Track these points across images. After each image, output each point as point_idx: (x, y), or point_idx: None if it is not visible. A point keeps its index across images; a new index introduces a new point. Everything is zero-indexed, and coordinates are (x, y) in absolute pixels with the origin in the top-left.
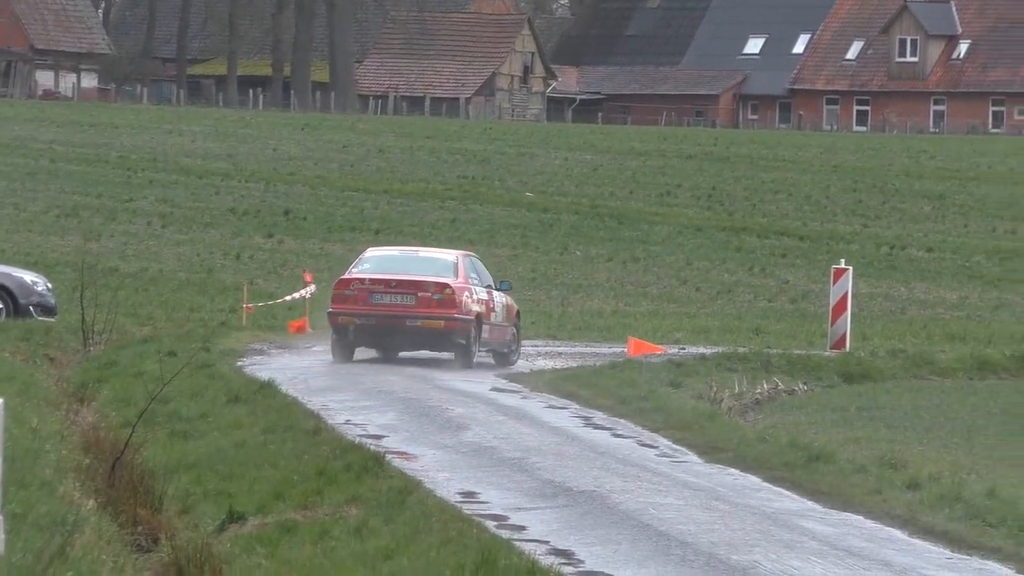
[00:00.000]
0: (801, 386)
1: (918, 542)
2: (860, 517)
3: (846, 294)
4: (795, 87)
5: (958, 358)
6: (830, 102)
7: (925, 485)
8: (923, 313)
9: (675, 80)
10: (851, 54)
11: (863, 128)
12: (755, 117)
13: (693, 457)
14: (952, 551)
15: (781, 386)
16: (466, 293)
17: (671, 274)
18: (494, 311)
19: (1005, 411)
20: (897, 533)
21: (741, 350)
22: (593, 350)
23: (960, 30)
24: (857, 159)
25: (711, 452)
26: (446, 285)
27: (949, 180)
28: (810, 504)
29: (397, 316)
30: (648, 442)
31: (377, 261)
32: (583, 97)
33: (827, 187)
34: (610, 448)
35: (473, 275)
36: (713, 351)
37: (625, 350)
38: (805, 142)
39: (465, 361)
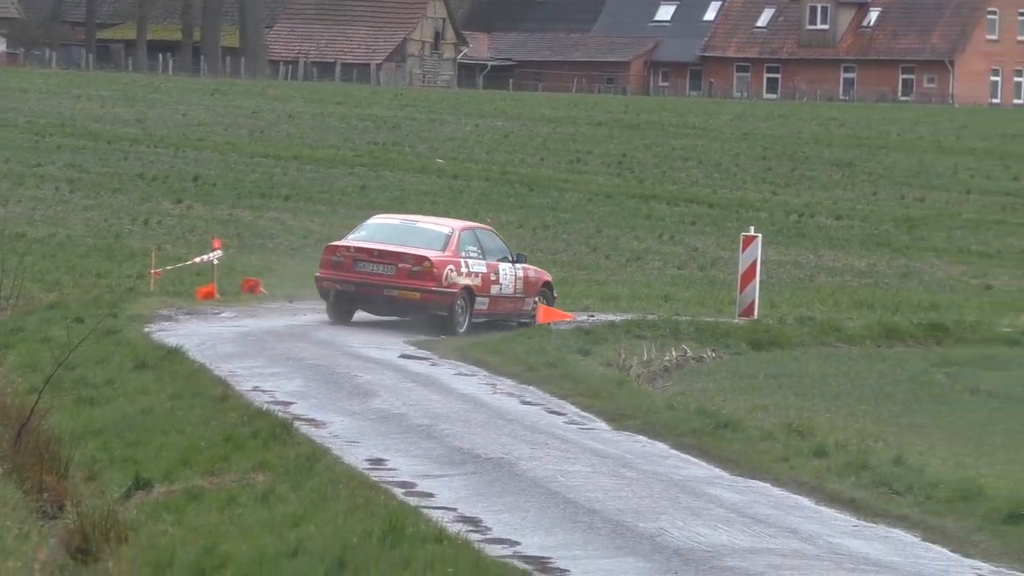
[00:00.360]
0: (710, 353)
1: (825, 509)
2: (767, 484)
3: (755, 261)
4: (706, 54)
5: (866, 325)
6: (740, 69)
7: (832, 452)
8: (831, 280)
9: (586, 47)
10: (762, 21)
11: (773, 96)
12: (666, 84)
13: (601, 424)
14: (858, 519)
15: (690, 353)
16: (450, 266)
17: (581, 241)
18: (498, 283)
19: (912, 378)
20: (804, 500)
21: (650, 317)
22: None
23: None
24: (767, 127)
25: (619, 419)
26: (425, 258)
27: (858, 148)
28: (718, 471)
29: (375, 285)
30: (556, 409)
31: (374, 229)
32: (494, 63)
33: (737, 155)
34: (518, 415)
35: (472, 248)
36: (622, 318)
37: (535, 318)
38: (715, 110)
39: (447, 331)
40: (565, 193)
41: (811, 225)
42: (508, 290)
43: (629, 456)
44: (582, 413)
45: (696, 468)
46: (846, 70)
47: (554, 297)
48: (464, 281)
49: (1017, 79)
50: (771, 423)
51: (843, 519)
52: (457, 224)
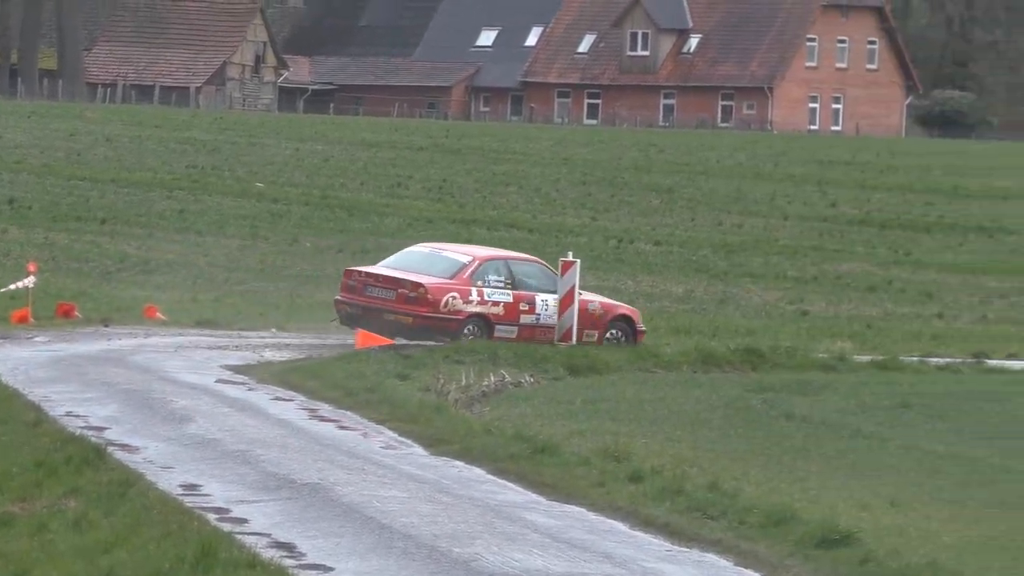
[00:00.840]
0: (528, 378)
1: (639, 534)
2: (583, 509)
3: (574, 287)
4: (527, 80)
5: (683, 351)
6: (561, 95)
7: (648, 478)
8: (649, 306)
9: (407, 72)
10: (583, 47)
11: (594, 121)
12: (487, 109)
13: (419, 449)
14: (672, 543)
15: (508, 378)
16: (452, 294)
17: None
18: (533, 313)
19: (728, 404)
20: (619, 525)
21: (469, 342)
22: (322, 342)
23: (691, 24)
24: (587, 152)
25: (437, 444)
26: (420, 284)
27: (677, 174)
28: (534, 496)
29: (377, 309)
30: (374, 434)
31: (401, 257)
32: (315, 87)
33: (557, 180)
34: (335, 440)
35: (496, 278)
36: (440, 344)
37: (353, 342)
38: (536, 135)
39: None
40: (385, 218)
41: (630, 251)
42: (553, 320)
43: (446, 481)
44: (400, 438)
45: (513, 493)
46: (666, 96)
47: (638, 331)
48: (475, 309)
49: (835, 106)
50: (588, 448)
51: (657, 544)
52: (482, 254)
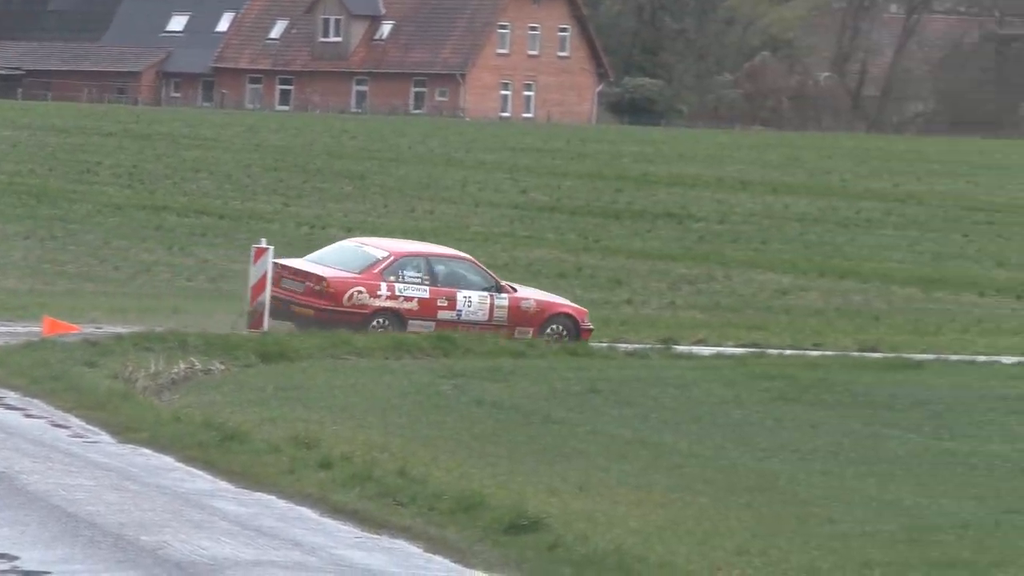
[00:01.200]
0: (218, 365)
1: (329, 521)
2: (273, 497)
3: (266, 273)
4: (218, 65)
5: (375, 338)
6: (253, 81)
7: (338, 464)
8: None
9: (96, 56)
10: (275, 33)
11: (286, 107)
12: (178, 95)
13: (106, 437)
14: (363, 530)
15: (198, 365)
16: (358, 288)
17: (89, 253)
18: (453, 310)
19: (419, 390)
20: (309, 512)
21: (158, 329)
22: (8, 329)
23: (383, 11)
24: (279, 138)
25: (124, 432)
26: (322, 278)
27: (370, 160)
28: (223, 484)
29: (287, 301)
30: (60, 422)
31: (327, 251)
32: (2, 72)
33: (249, 166)
34: (21, 429)
35: (413, 274)
36: (130, 330)
37: (40, 329)
38: (228, 121)
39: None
40: (75, 204)
41: (323, 237)
42: (476, 317)
43: (133, 469)
44: (87, 426)
45: (202, 481)
46: (359, 83)
47: (583, 329)
48: (384, 304)
49: (527, 93)
50: (278, 436)
51: (347, 530)
52: (400, 249)
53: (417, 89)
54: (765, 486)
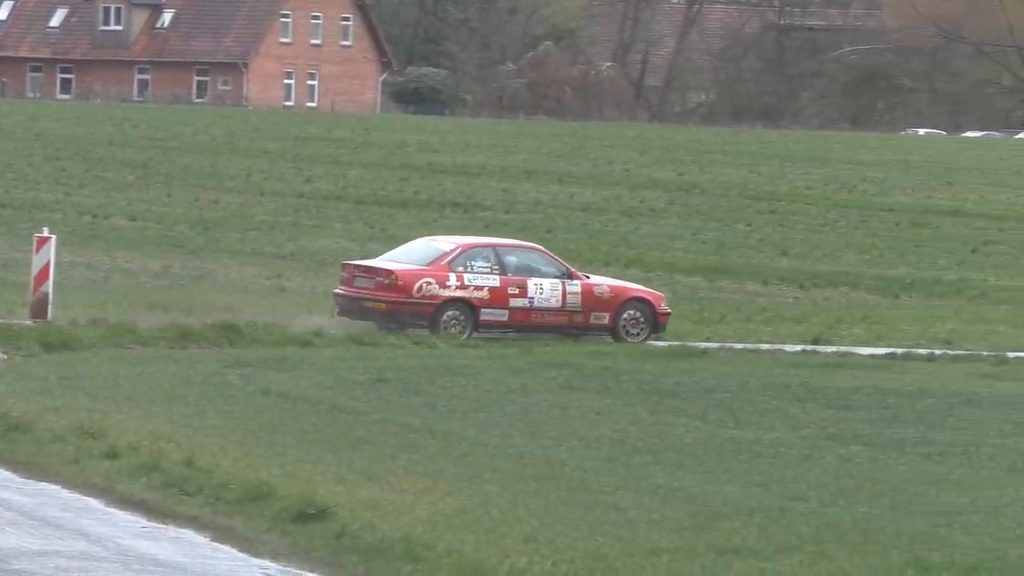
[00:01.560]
0: (0, 355)
1: (115, 511)
2: (57, 487)
3: (48, 263)
4: None
5: (160, 327)
6: (34, 69)
7: (124, 454)
8: (126, 282)
9: None
10: (55, 22)
11: (67, 96)
12: None
13: None
14: (149, 520)
15: None
16: (426, 279)
17: None
18: (524, 297)
19: (205, 380)
20: (95, 503)
21: None
22: None
23: (164, 0)
24: (60, 127)
25: None
26: (391, 272)
27: (153, 149)
28: (7, 474)
29: (360, 299)
30: None
31: (400, 249)
32: None
33: (30, 155)
34: None
35: (481, 264)
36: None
37: None
38: (8, 110)
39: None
40: None
41: (105, 226)
42: (549, 303)
43: None
44: None
45: None
46: (141, 72)
47: (659, 314)
48: (455, 294)
49: (310, 82)
50: (62, 425)
51: (133, 520)
52: (468, 242)
53: (200, 78)
54: (552, 474)
